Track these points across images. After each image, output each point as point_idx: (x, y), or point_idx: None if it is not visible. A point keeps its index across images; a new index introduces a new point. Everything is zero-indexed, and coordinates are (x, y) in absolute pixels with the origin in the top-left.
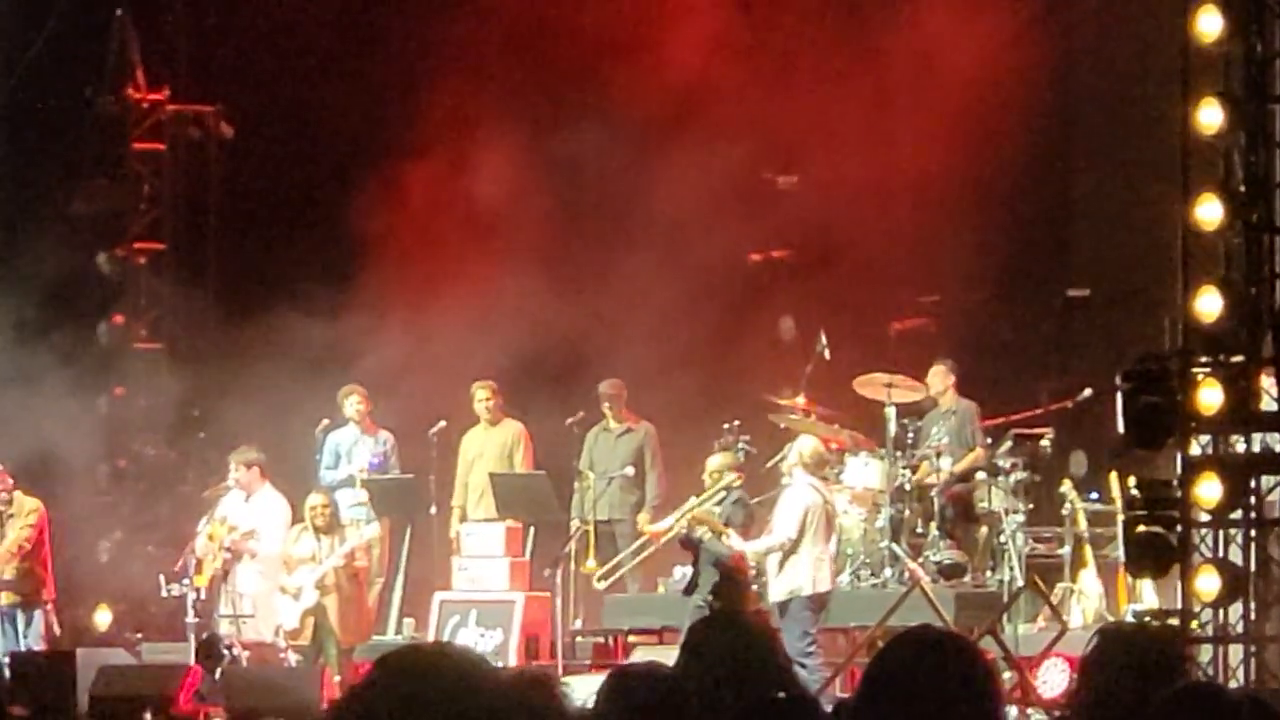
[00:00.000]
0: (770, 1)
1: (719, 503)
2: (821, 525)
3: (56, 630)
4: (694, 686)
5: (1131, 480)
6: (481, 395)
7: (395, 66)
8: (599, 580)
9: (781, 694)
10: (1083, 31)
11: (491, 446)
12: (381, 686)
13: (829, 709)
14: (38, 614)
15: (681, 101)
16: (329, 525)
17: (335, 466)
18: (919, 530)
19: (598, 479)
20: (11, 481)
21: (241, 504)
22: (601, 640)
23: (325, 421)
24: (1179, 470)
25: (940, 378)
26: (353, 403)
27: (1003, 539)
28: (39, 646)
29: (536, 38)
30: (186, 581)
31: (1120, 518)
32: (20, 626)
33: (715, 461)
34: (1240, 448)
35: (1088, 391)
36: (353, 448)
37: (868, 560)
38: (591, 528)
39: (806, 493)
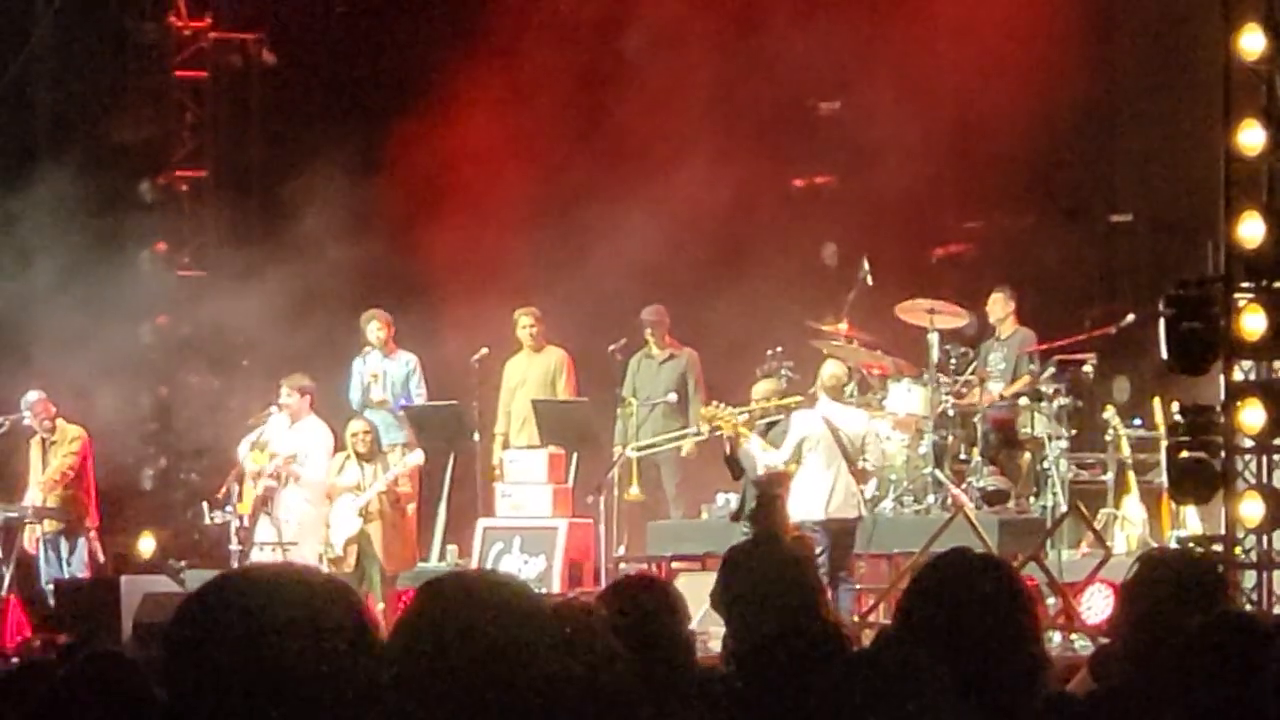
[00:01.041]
0: None
1: (771, 423)
2: (822, 454)
3: (100, 557)
4: (728, 610)
5: (1174, 406)
6: (525, 322)
7: None
8: (635, 450)
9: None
10: None
11: (534, 373)
12: (426, 615)
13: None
14: (81, 541)
15: (725, 28)
16: (371, 451)
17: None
18: (962, 456)
19: (640, 406)
20: (55, 409)
21: (285, 430)
22: (645, 567)
23: (367, 349)
24: (1222, 396)
25: (1000, 305)
26: (374, 328)
27: (1046, 465)
28: (83, 574)
29: None
30: (230, 508)
31: (1163, 443)
32: (64, 554)
33: (762, 388)
34: None
35: (1131, 317)
36: (374, 371)
37: (911, 486)
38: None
39: (809, 420)
